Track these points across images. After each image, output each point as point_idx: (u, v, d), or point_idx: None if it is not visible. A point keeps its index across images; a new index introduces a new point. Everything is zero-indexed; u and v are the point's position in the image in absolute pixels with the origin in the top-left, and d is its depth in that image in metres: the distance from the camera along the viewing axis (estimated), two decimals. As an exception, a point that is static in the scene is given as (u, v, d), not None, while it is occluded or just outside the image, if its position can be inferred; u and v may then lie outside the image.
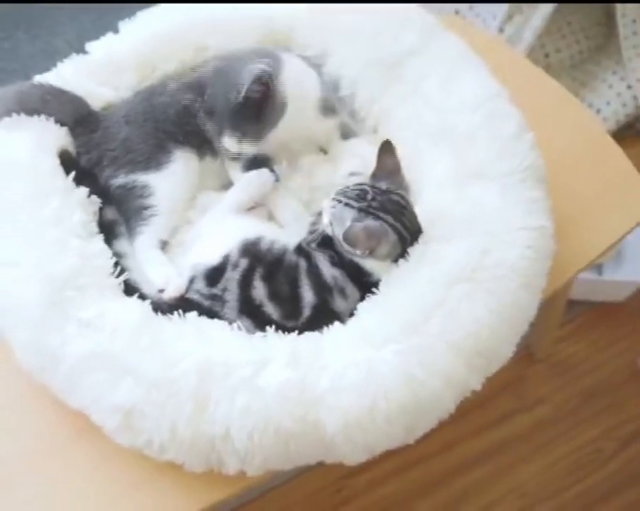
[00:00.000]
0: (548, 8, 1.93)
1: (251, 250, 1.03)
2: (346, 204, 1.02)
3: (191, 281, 1.03)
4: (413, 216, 1.03)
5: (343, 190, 1.04)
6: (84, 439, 1.02)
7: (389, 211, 1.00)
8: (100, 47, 1.26)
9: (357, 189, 1.02)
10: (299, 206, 1.14)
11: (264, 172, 1.13)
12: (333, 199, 1.03)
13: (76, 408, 0.99)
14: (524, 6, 1.94)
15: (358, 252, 1.00)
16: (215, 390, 0.91)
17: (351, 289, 1.02)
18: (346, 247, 1.00)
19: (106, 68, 1.24)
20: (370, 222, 1.00)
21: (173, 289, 1.03)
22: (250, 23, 1.26)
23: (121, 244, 1.10)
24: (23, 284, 1.00)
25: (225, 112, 1.10)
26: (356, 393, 0.91)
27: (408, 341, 0.93)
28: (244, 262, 1.02)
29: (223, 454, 0.92)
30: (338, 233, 1.01)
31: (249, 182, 1.13)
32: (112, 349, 0.94)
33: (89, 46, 1.26)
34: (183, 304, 1.01)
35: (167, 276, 1.05)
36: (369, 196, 1.01)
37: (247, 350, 0.94)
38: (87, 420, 0.99)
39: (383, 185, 1.03)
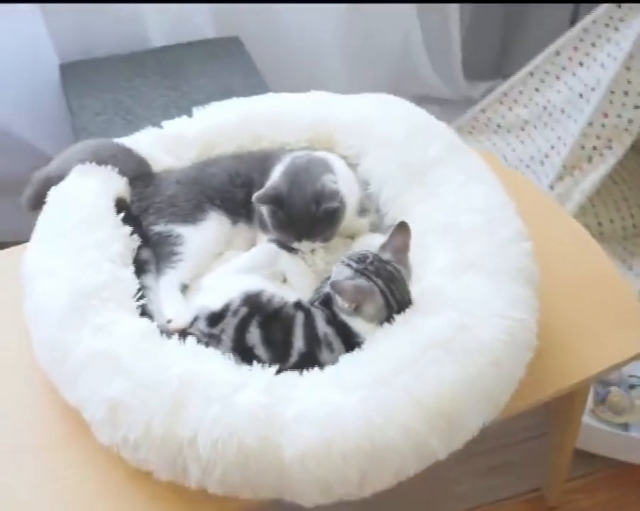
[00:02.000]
0: (598, 175, 2.06)
1: (252, 301, 1.14)
2: (347, 265, 1.13)
3: (195, 319, 1.15)
4: (404, 289, 1.12)
5: (349, 254, 1.15)
6: (71, 442, 1.13)
7: (382, 276, 1.11)
8: (173, 125, 1.47)
9: (360, 254, 1.14)
10: (309, 271, 1.26)
11: (272, 247, 1.27)
12: (340, 260, 1.15)
13: (74, 403, 1.10)
14: (576, 170, 2.07)
15: (346, 304, 1.10)
16: (193, 398, 1.00)
17: (339, 346, 1.11)
18: (336, 300, 1.10)
19: (173, 141, 1.43)
20: (360, 281, 1.10)
21: (179, 322, 1.15)
22: (302, 124, 1.43)
23: (148, 279, 1.23)
24: (55, 292, 1.14)
25: (304, 222, 1.23)
26: (317, 426, 0.98)
27: (374, 390, 1.01)
28: (244, 310, 1.13)
29: (188, 460, 0.99)
30: None
31: (258, 252, 1.27)
32: (114, 350, 1.06)
33: (165, 123, 1.47)
34: (183, 335, 1.12)
35: (177, 310, 1.17)
36: (368, 261, 1.12)
37: (231, 374, 1.04)
38: (79, 422, 1.09)
39: (385, 256, 1.13)
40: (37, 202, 1.32)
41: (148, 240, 1.28)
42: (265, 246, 1.27)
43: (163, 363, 1.04)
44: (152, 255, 1.27)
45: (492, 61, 2.76)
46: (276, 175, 1.28)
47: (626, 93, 2.03)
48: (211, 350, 1.08)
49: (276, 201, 1.23)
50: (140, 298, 1.17)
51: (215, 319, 1.13)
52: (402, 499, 1.69)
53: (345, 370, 1.05)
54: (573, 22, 2.44)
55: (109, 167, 1.34)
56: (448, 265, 1.16)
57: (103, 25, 2.10)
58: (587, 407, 1.78)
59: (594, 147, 2.07)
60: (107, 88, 1.99)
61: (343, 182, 1.27)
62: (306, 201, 1.22)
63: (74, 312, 1.11)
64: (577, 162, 2.08)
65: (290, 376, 1.05)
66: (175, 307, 1.18)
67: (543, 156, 2.18)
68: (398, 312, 1.11)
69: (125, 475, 1.08)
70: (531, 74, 2.28)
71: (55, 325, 1.11)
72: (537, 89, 2.28)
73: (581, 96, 2.12)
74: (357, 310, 1.10)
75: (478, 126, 2.41)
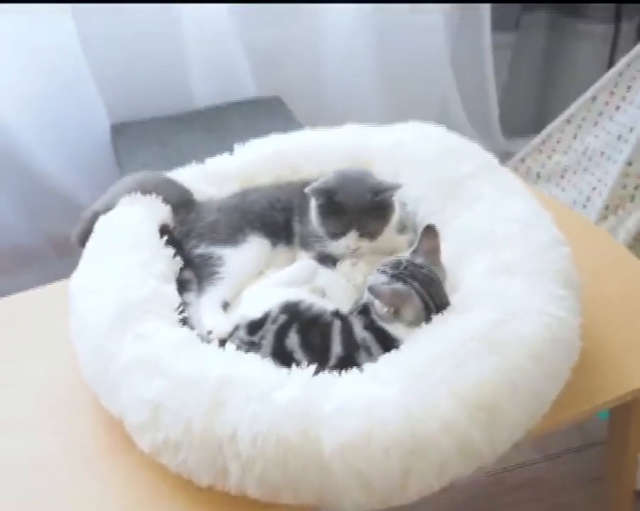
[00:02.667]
0: (641, 214, 2.04)
1: (291, 309, 1.15)
2: (382, 271, 1.14)
3: (235, 329, 1.17)
4: (441, 290, 1.13)
5: (384, 262, 1.17)
6: (116, 455, 1.14)
7: (418, 279, 1.11)
8: (215, 161, 1.53)
9: (394, 261, 1.15)
10: (348, 285, 1.27)
11: (311, 263, 1.30)
12: (375, 269, 1.16)
13: (116, 412, 1.11)
14: (619, 209, 2.06)
15: (385, 309, 1.10)
16: (232, 396, 1.00)
17: (377, 350, 1.11)
18: (374, 306, 1.11)
19: (215, 175, 1.48)
20: (398, 285, 1.11)
21: (219, 332, 1.17)
22: (338, 154, 1.47)
23: (189, 296, 1.26)
24: (99, 305, 1.17)
25: (357, 209, 1.27)
26: (356, 419, 0.97)
27: (412, 383, 1.00)
28: (283, 318, 1.14)
29: (227, 458, 0.99)
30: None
31: (297, 267, 1.30)
32: (154, 353, 1.07)
33: (208, 160, 1.53)
34: (223, 345, 1.13)
35: (218, 322, 1.20)
36: (402, 266, 1.13)
37: (270, 374, 1.04)
38: (122, 435, 1.11)
39: (418, 260, 1.14)
40: (87, 238, 1.37)
41: (190, 263, 1.31)
42: (304, 262, 1.30)
43: (202, 364, 1.05)
44: (194, 276, 1.30)
45: (530, 117, 2.80)
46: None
47: (664, 130, 2.03)
48: (250, 354, 1.09)
49: (329, 192, 1.28)
50: (182, 312, 1.19)
51: (255, 327, 1.14)
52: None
53: (382, 367, 1.05)
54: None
55: (153, 195, 1.39)
56: (485, 269, 1.16)
57: (152, 89, 2.22)
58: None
59: (636, 186, 2.07)
60: (154, 142, 2.09)
61: None
62: (363, 190, 1.28)
63: (118, 323, 1.13)
64: (620, 202, 2.07)
65: (329, 375, 1.05)
66: (216, 319, 1.20)
67: (585, 199, 2.18)
68: (436, 314, 1.10)
69: (167, 484, 1.08)
70: (568, 121, 2.31)
71: (99, 336, 1.13)
72: (575, 136, 2.30)
73: (619, 137, 2.14)
74: (396, 314, 1.11)
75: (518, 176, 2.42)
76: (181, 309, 1.20)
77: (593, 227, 1.66)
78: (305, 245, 1.33)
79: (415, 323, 1.11)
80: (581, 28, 2.61)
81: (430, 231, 1.17)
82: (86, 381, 1.19)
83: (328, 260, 1.31)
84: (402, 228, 1.35)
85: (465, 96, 2.62)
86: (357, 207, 1.27)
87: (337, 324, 1.13)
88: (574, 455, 1.82)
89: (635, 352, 1.27)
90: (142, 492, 1.10)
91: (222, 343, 1.14)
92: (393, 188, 1.29)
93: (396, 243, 1.35)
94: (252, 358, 1.08)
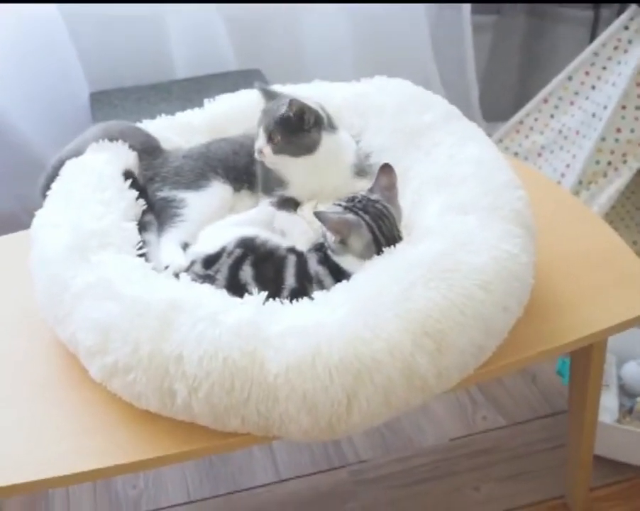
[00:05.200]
0: (615, 188, 2.06)
1: (246, 243, 1.17)
2: (337, 205, 1.16)
3: (191, 264, 1.17)
4: (393, 226, 1.14)
5: (340, 198, 1.18)
6: (71, 386, 1.15)
7: (369, 213, 1.13)
8: (185, 115, 1.54)
9: (350, 196, 1.17)
10: (307, 227, 1.27)
11: (270, 208, 1.31)
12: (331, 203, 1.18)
13: (69, 340, 1.12)
14: (592, 184, 2.07)
15: (332, 237, 1.11)
16: (181, 317, 1.02)
17: (329, 283, 1.12)
18: (325, 236, 1.12)
19: (184, 127, 1.49)
20: (348, 215, 1.12)
21: (175, 267, 1.18)
22: (308, 105, 1.48)
23: (149, 235, 1.26)
24: (58, 236, 1.18)
25: (271, 119, 1.31)
26: (302, 340, 0.98)
27: (360, 307, 1.01)
28: (238, 251, 1.15)
29: (174, 379, 1.00)
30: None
31: (255, 212, 1.32)
32: (106, 279, 1.08)
33: (178, 114, 1.54)
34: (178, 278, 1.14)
35: (175, 256, 1.21)
36: (356, 200, 1.15)
37: (220, 299, 1.05)
38: (76, 370, 1.14)
39: (373, 196, 1.16)
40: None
41: (152, 208, 1.32)
42: (262, 207, 1.31)
43: (154, 288, 1.06)
44: (155, 218, 1.31)
45: (510, 101, 2.81)
46: None
47: (637, 107, 2.06)
48: (204, 285, 1.10)
49: (268, 94, 1.38)
50: (141, 249, 1.20)
51: (210, 261, 1.15)
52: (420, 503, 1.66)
53: (332, 294, 1.06)
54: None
55: (119, 142, 1.40)
56: (440, 209, 1.17)
57: (132, 58, 2.24)
58: (613, 419, 1.73)
59: (609, 162, 2.08)
60: (132, 110, 2.09)
61: (338, 141, 1.35)
62: (282, 102, 1.31)
63: (75, 252, 1.14)
64: (593, 177, 2.09)
65: (278, 302, 1.06)
66: (173, 254, 1.21)
67: (560, 176, 2.20)
68: (387, 247, 1.12)
69: (118, 413, 1.09)
70: (545, 100, 2.33)
71: (56, 265, 1.14)
72: (552, 115, 2.32)
73: (594, 115, 2.15)
74: (344, 244, 1.12)
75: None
76: (140, 245, 1.20)
77: (559, 189, 1.67)
78: (266, 189, 1.34)
79: (365, 255, 1.12)
80: (562, 14, 2.63)
81: (386, 169, 1.18)
82: (42, 313, 1.19)
83: (288, 205, 1.32)
84: (361, 172, 1.36)
85: (445, 79, 2.63)
86: (272, 114, 1.31)
87: (291, 258, 1.14)
88: (539, 422, 1.83)
89: (592, 300, 1.28)
90: (95, 421, 1.10)
91: (177, 277, 1.15)
92: (296, 109, 1.29)
93: (355, 189, 1.35)
94: (205, 287, 1.09)
